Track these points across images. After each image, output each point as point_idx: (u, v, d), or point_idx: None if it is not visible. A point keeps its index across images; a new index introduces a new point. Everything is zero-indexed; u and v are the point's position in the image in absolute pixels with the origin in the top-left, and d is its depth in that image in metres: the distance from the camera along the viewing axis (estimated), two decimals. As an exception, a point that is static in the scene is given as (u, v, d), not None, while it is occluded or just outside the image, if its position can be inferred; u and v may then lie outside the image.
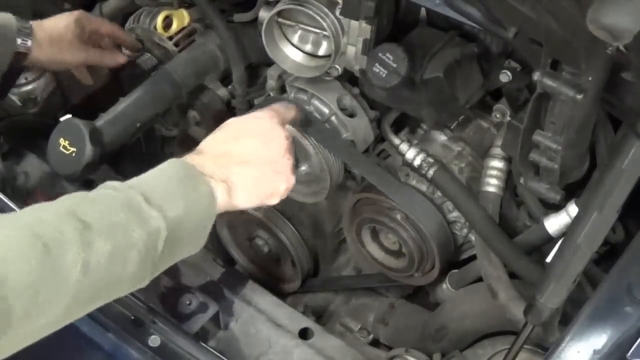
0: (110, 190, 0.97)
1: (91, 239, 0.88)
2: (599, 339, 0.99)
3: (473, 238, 1.39)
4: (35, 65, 1.50)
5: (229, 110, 1.59)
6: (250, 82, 1.55)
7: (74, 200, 0.94)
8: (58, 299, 0.86)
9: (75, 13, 1.52)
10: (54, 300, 0.85)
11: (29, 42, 1.42)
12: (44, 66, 1.51)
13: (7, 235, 0.84)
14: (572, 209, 1.21)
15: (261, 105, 1.44)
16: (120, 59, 1.56)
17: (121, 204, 0.95)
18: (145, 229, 0.93)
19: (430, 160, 1.36)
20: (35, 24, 1.45)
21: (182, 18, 1.54)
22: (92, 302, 0.92)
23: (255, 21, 1.42)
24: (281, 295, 1.63)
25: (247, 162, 1.10)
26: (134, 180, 1.01)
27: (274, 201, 1.14)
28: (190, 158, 1.08)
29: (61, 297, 0.86)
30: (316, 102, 1.40)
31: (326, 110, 1.40)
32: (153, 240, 0.94)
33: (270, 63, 1.43)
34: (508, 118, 1.28)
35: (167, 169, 1.04)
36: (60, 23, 1.49)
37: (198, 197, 1.01)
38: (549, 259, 1.07)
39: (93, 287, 0.89)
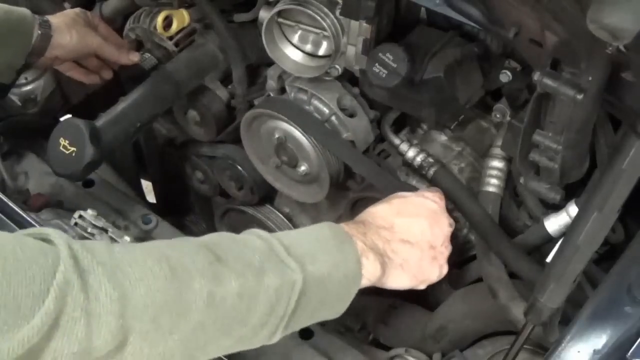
0: (254, 236, 0.96)
1: (221, 273, 0.86)
2: (599, 339, 0.99)
3: (473, 238, 1.39)
4: (52, 59, 1.48)
5: (229, 110, 1.59)
6: (250, 82, 1.55)
7: (214, 236, 0.93)
8: (178, 325, 0.83)
9: (76, 8, 1.53)
10: (174, 327, 0.83)
11: (50, 31, 1.42)
12: (64, 56, 1.49)
13: (136, 254, 0.83)
14: (572, 209, 1.21)
15: (265, 106, 1.44)
16: (134, 57, 1.55)
17: (261, 248, 0.93)
18: (280, 277, 0.90)
19: (431, 160, 1.36)
20: (48, 16, 1.46)
21: (182, 18, 1.53)
22: (213, 339, 0.88)
23: (255, 21, 1.42)
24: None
25: (409, 242, 1.08)
26: (280, 233, 0.99)
27: (422, 286, 1.13)
28: (350, 226, 1.05)
29: (181, 324, 0.83)
30: (316, 102, 1.40)
31: (326, 110, 1.40)
32: (286, 290, 0.91)
33: (270, 63, 1.43)
34: (508, 118, 1.28)
35: (315, 228, 1.02)
36: (69, 12, 1.50)
37: (343, 259, 0.98)
38: (549, 259, 1.07)
39: (215, 324, 0.86)
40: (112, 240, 1.31)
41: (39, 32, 1.41)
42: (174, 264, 0.83)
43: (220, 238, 0.94)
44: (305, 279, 0.92)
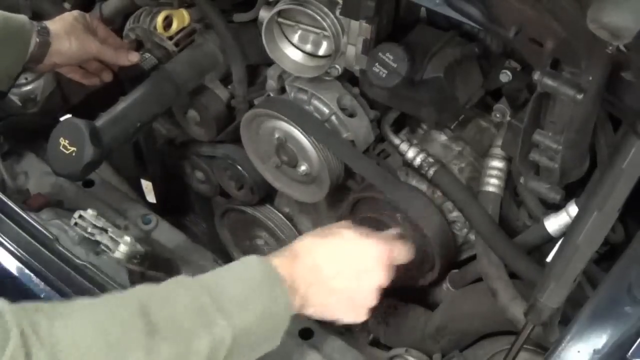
0: (181, 288, 0.96)
1: (155, 345, 0.89)
2: (599, 339, 0.99)
3: (473, 238, 1.39)
4: (51, 65, 1.47)
5: (229, 110, 1.59)
6: (250, 82, 1.55)
7: (146, 296, 0.94)
8: None
9: (75, 11, 1.52)
10: None
11: (49, 38, 1.41)
12: (63, 62, 1.48)
13: (75, 331, 0.86)
14: (572, 209, 1.21)
15: (265, 106, 1.44)
16: (133, 57, 1.54)
17: (190, 307, 0.94)
18: (209, 337, 0.92)
19: (431, 160, 1.36)
20: (46, 22, 1.45)
21: (182, 18, 1.53)
22: None
23: (255, 21, 1.42)
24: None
25: (333, 289, 1.08)
26: (208, 277, 0.99)
27: (346, 321, 1.12)
28: (281, 260, 1.05)
29: None
30: (316, 102, 1.40)
31: (326, 110, 1.40)
32: (216, 350, 0.93)
33: (270, 63, 1.43)
34: (508, 118, 1.28)
35: (247, 269, 1.02)
36: (68, 17, 1.48)
37: (274, 304, 1.00)
38: (549, 259, 1.07)
39: None
40: (112, 240, 1.30)
41: (37, 39, 1.40)
42: (111, 340, 0.87)
43: (150, 294, 0.95)
44: (234, 334, 0.94)
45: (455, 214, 1.39)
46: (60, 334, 0.85)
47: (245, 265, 1.02)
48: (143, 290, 0.96)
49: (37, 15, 1.77)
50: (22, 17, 1.41)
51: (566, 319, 1.07)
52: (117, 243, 1.29)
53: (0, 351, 0.78)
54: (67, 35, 1.44)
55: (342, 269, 1.09)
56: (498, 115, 1.29)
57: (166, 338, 0.90)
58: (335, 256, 1.09)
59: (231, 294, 0.97)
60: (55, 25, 1.45)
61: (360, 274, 1.09)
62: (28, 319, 0.83)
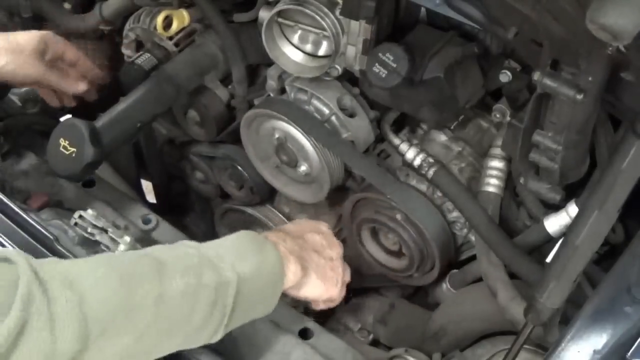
0: (183, 246, 1.05)
1: (166, 274, 0.95)
2: (599, 339, 0.99)
3: (473, 238, 1.39)
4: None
5: (229, 110, 1.59)
6: (250, 82, 1.55)
7: (150, 248, 1.03)
8: (133, 325, 0.91)
9: (43, 32, 1.50)
10: (129, 327, 0.91)
11: None
12: (6, 79, 1.47)
13: (87, 265, 0.92)
14: (572, 209, 1.21)
15: (263, 106, 1.44)
16: (80, 87, 1.55)
17: (195, 254, 1.02)
18: (217, 275, 1.00)
19: (430, 160, 1.36)
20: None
21: (182, 18, 1.53)
22: (164, 336, 0.97)
23: (255, 21, 1.42)
24: (281, 295, 1.63)
25: (318, 252, 1.22)
26: (206, 243, 1.08)
27: (332, 294, 1.25)
28: (268, 233, 1.18)
29: (136, 323, 0.91)
30: (316, 102, 1.40)
31: (326, 110, 1.40)
32: (224, 289, 1.00)
33: (270, 63, 1.43)
34: (508, 118, 1.28)
35: (234, 237, 1.11)
36: (23, 36, 1.47)
37: (265, 259, 1.09)
38: (549, 259, 1.07)
39: (166, 321, 0.95)
40: (112, 240, 1.30)
41: None
42: (122, 272, 0.92)
43: (155, 248, 1.04)
44: (239, 280, 1.02)
45: (455, 214, 1.39)
46: (72, 268, 0.89)
47: (235, 235, 1.11)
48: (147, 248, 1.03)
49: (37, 15, 1.78)
50: None
51: (566, 319, 1.08)
52: (117, 243, 1.29)
53: (13, 287, 0.81)
54: (6, 53, 1.43)
55: (318, 238, 1.25)
56: (498, 115, 1.29)
57: (175, 270, 0.96)
58: (308, 229, 1.26)
59: (228, 249, 1.06)
60: (1, 40, 1.44)
61: (328, 240, 1.26)
62: (37, 260, 0.87)
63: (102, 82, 1.63)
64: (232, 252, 1.06)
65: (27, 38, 1.47)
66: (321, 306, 1.28)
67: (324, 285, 1.21)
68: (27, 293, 0.81)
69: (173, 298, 0.95)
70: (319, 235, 1.25)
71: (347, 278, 1.29)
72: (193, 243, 1.06)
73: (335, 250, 1.26)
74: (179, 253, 1.01)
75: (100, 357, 0.88)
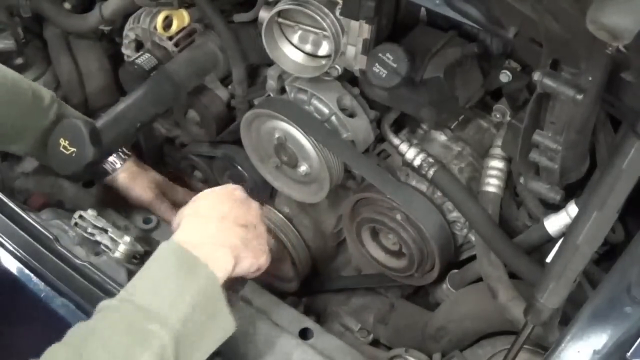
0: (109, 312, 0.99)
1: None
2: (599, 339, 0.99)
3: (473, 238, 1.39)
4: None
5: (229, 110, 1.59)
6: (250, 82, 1.55)
7: (79, 337, 0.97)
8: None
9: (160, 180, 1.54)
10: None
11: (118, 165, 1.48)
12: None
13: None
14: (572, 209, 1.21)
15: (261, 106, 1.45)
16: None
17: (122, 328, 0.97)
18: (149, 352, 0.95)
19: (430, 160, 1.36)
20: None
21: (182, 18, 1.53)
22: None
23: (255, 21, 1.42)
24: (281, 295, 1.63)
25: (242, 225, 1.14)
26: (131, 287, 1.02)
27: (261, 263, 1.16)
28: (187, 227, 1.11)
29: None
30: (316, 102, 1.40)
31: (326, 110, 1.40)
32: (161, 356, 0.95)
33: (270, 63, 1.43)
34: (508, 118, 1.28)
35: (162, 263, 1.05)
36: (147, 176, 1.52)
37: (198, 285, 1.03)
38: (549, 259, 1.07)
39: None
40: (112, 240, 1.30)
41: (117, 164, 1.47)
42: None
43: (83, 334, 0.97)
44: (174, 332, 0.97)
45: (455, 214, 1.39)
46: None
47: (162, 259, 1.05)
48: (73, 332, 0.97)
49: (37, 15, 1.78)
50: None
51: (566, 319, 1.07)
52: (117, 243, 1.29)
53: None
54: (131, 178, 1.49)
55: (235, 207, 1.16)
56: (498, 115, 1.29)
57: None
58: (221, 203, 1.16)
59: (157, 293, 1.00)
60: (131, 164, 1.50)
61: (245, 206, 1.18)
62: None
63: None
64: (161, 294, 1.00)
65: (150, 180, 1.52)
66: (250, 277, 1.21)
67: (253, 259, 1.15)
68: None
69: None
70: (237, 204, 1.17)
71: (270, 241, 1.22)
72: (115, 302, 1.00)
73: (254, 214, 1.18)
74: (107, 338, 0.96)
75: None
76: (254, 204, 1.20)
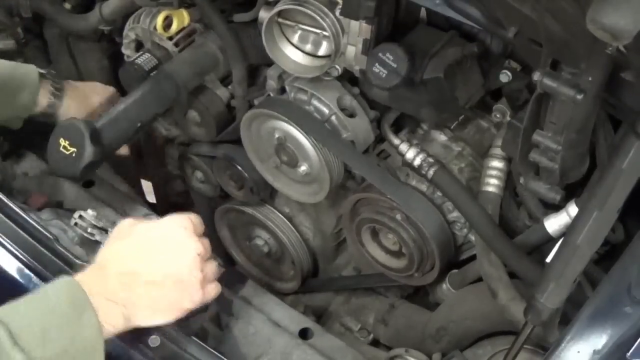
0: None
1: None
2: (599, 339, 0.99)
3: (473, 238, 1.39)
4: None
5: (229, 110, 1.59)
6: (250, 82, 1.55)
7: None
8: None
9: (111, 90, 1.62)
10: None
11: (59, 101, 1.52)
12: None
13: None
14: (572, 209, 1.21)
15: (262, 106, 1.45)
16: None
17: None
18: None
19: (430, 160, 1.36)
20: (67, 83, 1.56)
21: (182, 18, 1.53)
22: None
23: (255, 21, 1.42)
24: (281, 295, 1.63)
25: (153, 283, 1.06)
26: (8, 309, 0.96)
27: (175, 317, 1.09)
28: (89, 276, 1.03)
29: None
30: (316, 102, 1.40)
31: (326, 110, 1.40)
32: None
33: (270, 63, 1.43)
34: (508, 118, 1.28)
35: (52, 296, 0.98)
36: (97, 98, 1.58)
37: (80, 331, 0.97)
38: (549, 259, 1.07)
39: None
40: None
41: (49, 99, 1.51)
42: None
43: None
44: None
45: (455, 214, 1.39)
46: None
47: (54, 294, 0.99)
48: None
49: (37, 15, 1.78)
50: (29, 68, 1.49)
51: (566, 319, 1.08)
52: (117, 243, 1.29)
53: None
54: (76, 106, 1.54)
55: (154, 260, 1.07)
56: (498, 115, 1.29)
57: None
58: (142, 250, 1.08)
59: (34, 324, 0.94)
60: (72, 90, 1.55)
61: (172, 255, 1.08)
62: None
63: None
64: (39, 326, 0.94)
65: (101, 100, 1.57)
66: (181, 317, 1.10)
67: (167, 313, 1.07)
68: None
69: None
70: (159, 256, 1.08)
71: (214, 275, 1.13)
72: None
73: (186, 262, 1.08)
74: None
75: None
76: (190, 251, 1.09)
